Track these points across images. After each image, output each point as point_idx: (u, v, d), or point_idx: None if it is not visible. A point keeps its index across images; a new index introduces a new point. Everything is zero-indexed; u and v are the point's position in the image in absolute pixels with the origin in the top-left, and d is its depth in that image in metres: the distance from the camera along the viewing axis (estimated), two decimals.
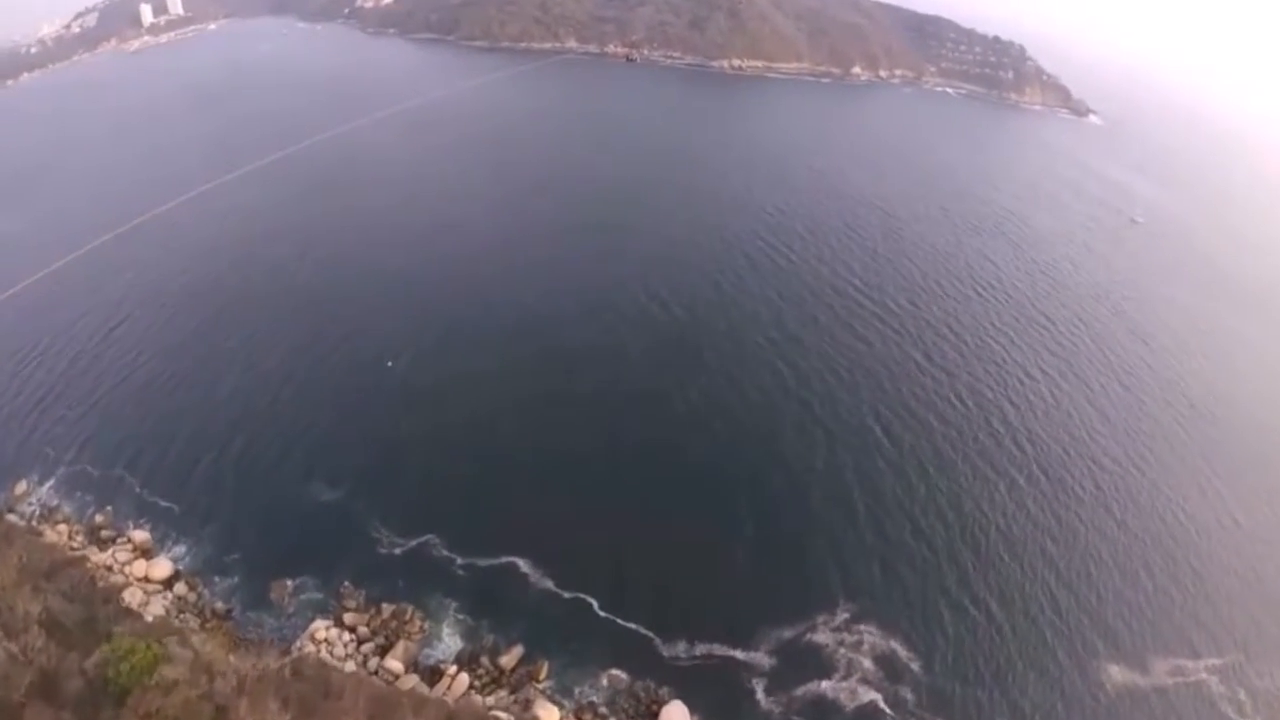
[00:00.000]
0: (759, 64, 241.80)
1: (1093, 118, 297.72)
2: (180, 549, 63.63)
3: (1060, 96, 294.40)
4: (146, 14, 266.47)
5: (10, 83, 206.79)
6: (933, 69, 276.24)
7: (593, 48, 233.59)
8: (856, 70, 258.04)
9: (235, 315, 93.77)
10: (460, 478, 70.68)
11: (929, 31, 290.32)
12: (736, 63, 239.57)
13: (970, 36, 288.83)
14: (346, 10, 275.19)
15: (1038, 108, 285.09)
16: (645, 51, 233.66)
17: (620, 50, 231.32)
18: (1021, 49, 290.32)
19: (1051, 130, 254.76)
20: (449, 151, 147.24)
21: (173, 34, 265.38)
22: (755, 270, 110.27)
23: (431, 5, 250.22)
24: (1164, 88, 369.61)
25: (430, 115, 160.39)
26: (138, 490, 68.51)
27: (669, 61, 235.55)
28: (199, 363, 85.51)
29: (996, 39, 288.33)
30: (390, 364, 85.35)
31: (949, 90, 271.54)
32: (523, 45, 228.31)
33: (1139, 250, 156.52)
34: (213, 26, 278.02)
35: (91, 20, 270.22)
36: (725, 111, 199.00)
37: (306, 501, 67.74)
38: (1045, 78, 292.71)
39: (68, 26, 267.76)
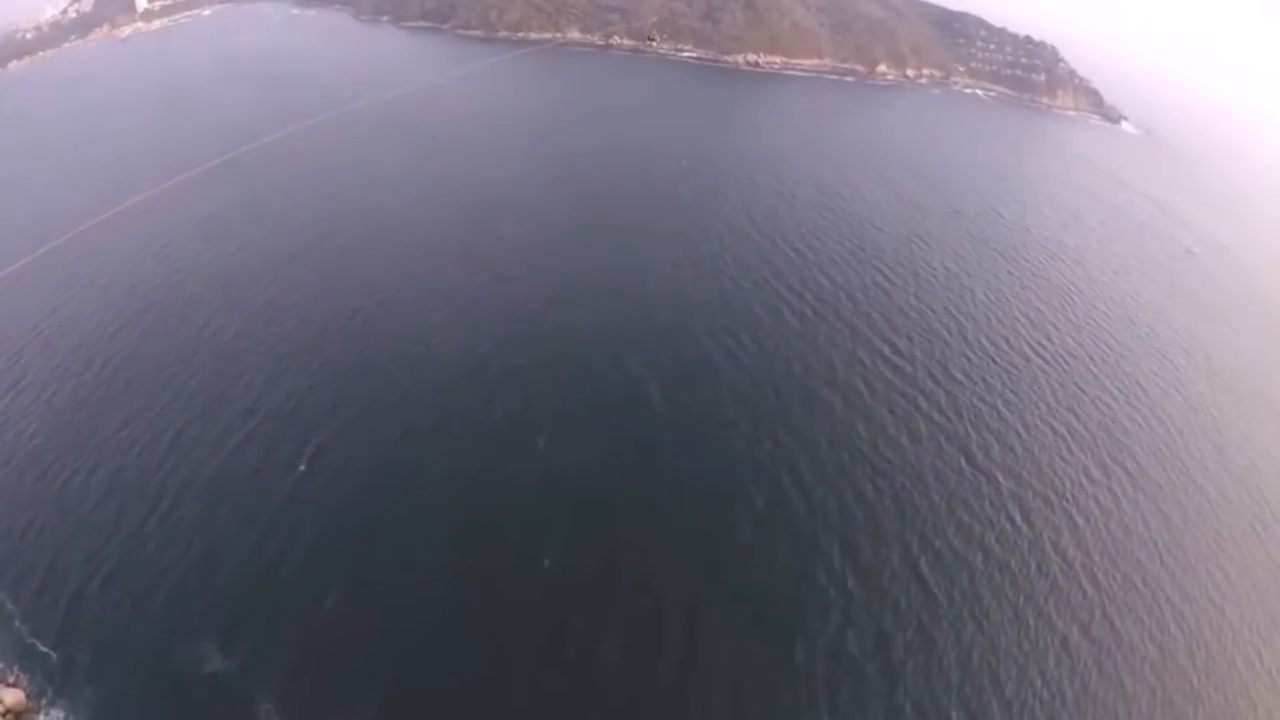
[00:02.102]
0: (777, 60, 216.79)
1: (1125, 125, 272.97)
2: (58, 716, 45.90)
3: (1092, 101, 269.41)
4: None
5: None
6: (962, 69, 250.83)
7: (596, 38, 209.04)
8: (882, 69, 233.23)
9: (142, 377, 73.14)
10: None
11: (957, 29, 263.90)
12: (753, 58, 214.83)
13: (1001, 35, 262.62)
14: None
15: (1070, 113, 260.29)
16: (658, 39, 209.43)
17: (641, 35, 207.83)
18: (1054, 50, 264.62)
19: (1087, 140, 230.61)
20: (395, 165, 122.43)
21: (166, 20, 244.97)
22: (760, 344, 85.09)
23: None
24: (1190, 94, 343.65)
25: (389, 116, 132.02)
26: (17, 624, 50.15)
27: (679, 55, 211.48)
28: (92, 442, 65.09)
29: (1028, 39, 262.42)
30: (302, 468, 64.27)
31: (979, 93, 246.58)
32: (520, 35, 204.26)
33: (1201, 289, 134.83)
34: (207, 12, 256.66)
35: (88, 4, 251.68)
36: (740, 115, 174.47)
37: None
38: (1078, 81, 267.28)
39: (64, 11, 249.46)
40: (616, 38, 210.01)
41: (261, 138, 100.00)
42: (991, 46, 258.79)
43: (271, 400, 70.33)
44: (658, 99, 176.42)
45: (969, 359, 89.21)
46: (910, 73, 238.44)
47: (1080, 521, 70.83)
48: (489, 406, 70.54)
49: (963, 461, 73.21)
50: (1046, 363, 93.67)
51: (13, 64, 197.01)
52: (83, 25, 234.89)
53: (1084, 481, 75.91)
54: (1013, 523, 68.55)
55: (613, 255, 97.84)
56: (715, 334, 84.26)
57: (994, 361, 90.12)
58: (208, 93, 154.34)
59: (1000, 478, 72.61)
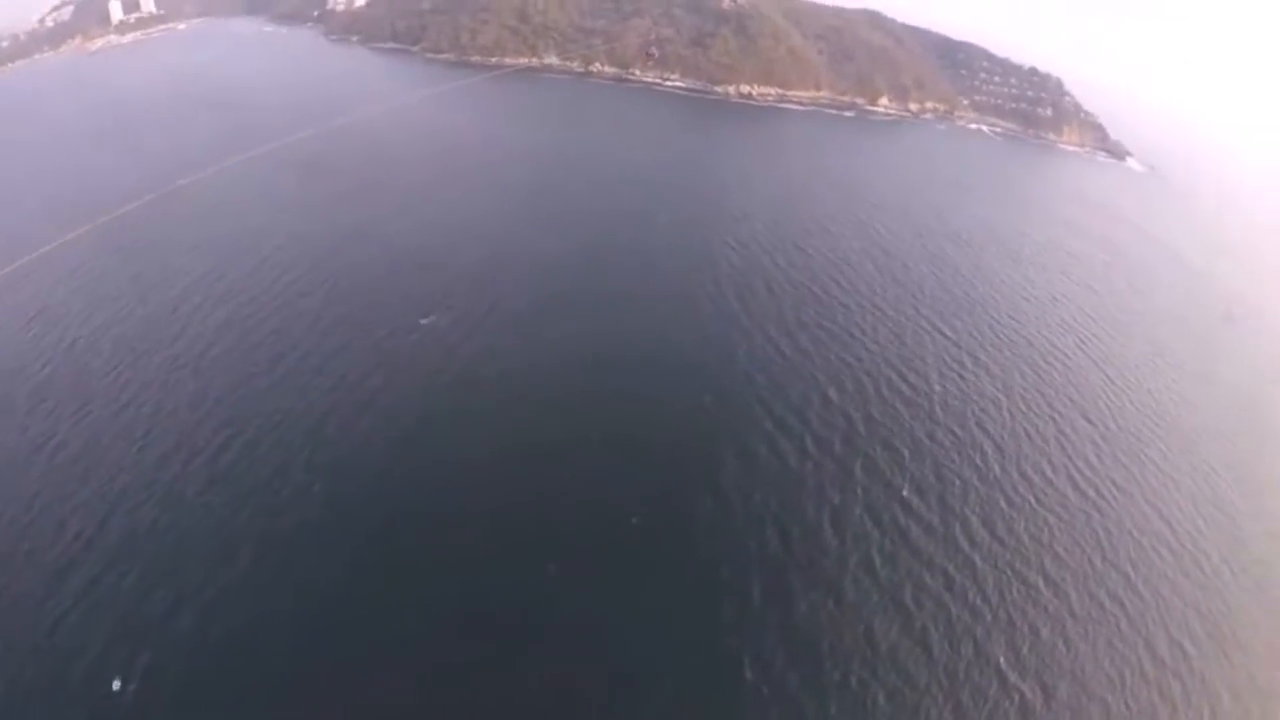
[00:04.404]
0: (771, 92, 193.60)
1: (1130, 161, 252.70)
2: None
3: (1098, 137, 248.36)
4: (116, 10, 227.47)
5: None
6: (966, 103, 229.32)
7: (575, 65, 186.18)
8: (884, 102, 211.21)
9: None
10: None
11: (960, 59, 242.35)
12: (745, 89, 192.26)
13: (1005, 66, 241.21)
14: (316, 13, 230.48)
15: (1076, 149, 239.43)
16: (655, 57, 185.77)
17: (625, 62, 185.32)
18: (1059, 82, 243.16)
19: (1098, 180, 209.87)
20: (304, 215, 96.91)
21: (139, 33, 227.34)
22: (743, 481, 60.66)
23: (400, 11, 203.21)
24: (1189, 130, 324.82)
25: (325, 152, 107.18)
26: None
27: (666, 85, 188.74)
28: None
29: (1033, 70, 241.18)
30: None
31: (984, 128, 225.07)
32: (494, 59, 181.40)
33: (1250, 364, 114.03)
34: (182, 26, 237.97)
35: (67, 13, 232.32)
36: (731, 157, 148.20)
37: None
38: (1083, 115, 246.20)
39: (41, 21, 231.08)
40: (598, 64, 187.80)
41: (194, 172, 79.94)
42: (996, 78, 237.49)
43: None
44: (638, 136, 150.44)
45: (1000, 477, 67.35)
46: (914, 106, 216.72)
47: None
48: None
49: (986, 611, 51.43)
50: (1090, 476, 72.31)
51: None
52: (56, 36, 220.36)
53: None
54: None
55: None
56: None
57: (1029, 483, 68.29)
58: (153, 117, 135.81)
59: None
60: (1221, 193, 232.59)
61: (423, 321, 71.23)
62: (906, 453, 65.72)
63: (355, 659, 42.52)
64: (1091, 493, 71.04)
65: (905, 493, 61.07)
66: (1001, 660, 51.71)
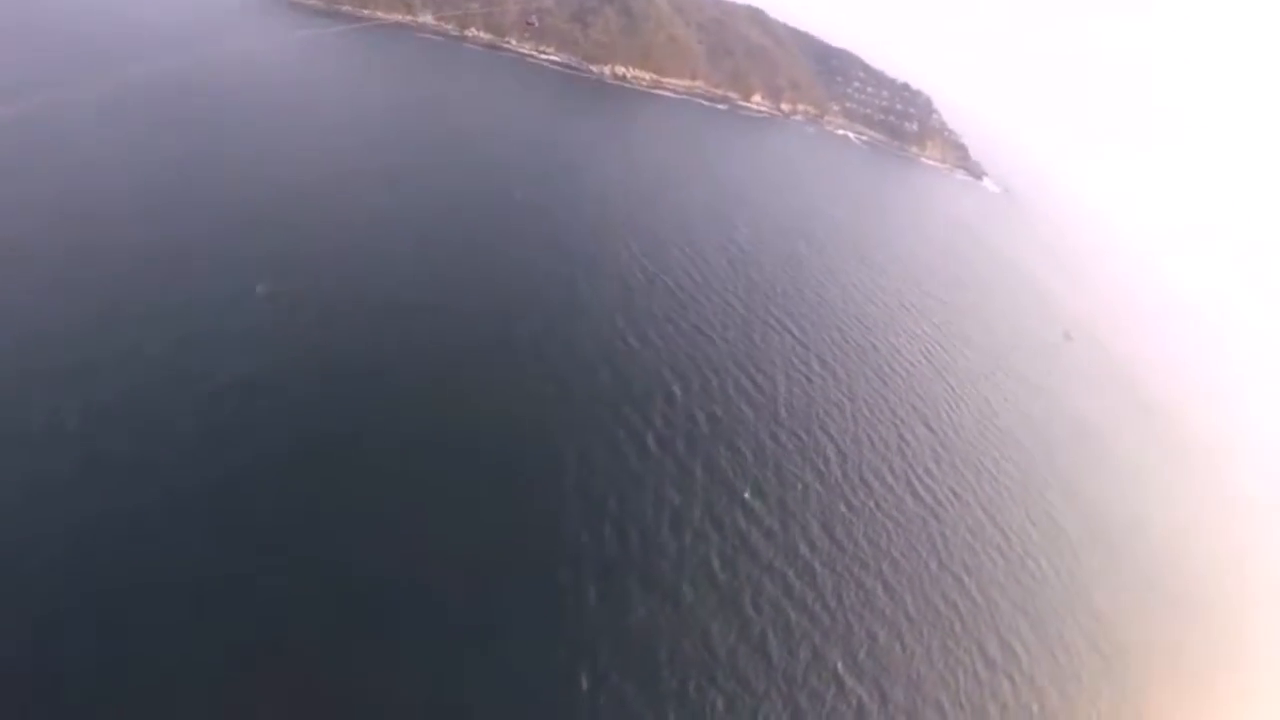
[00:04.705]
0: (646, 76, 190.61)
1: (987, 181, 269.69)
2: None
3: (959, 156, 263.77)
4: None
5: None
6: (836, 108, 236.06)
7: (451, 27, 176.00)
8: (756, 99, 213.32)
9: None
10: None
11: (836, 66, 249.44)
12: (621, 71, 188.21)
13: (878, 79, 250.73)
14: None
15: (937, 164, 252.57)
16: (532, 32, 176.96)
17: (502, 30, 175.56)
18: (928, 100, 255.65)
19: (956, 197, 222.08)
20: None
21: None
22: (582, 480, 54.64)
23: None
24: (1041, 158, 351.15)
25: (155, 95, 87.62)
26: None
27: (541, 58, 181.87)
28: None
29: (906, 86, 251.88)
30: None
31: (851, 135, 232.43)
32: (366, 11, 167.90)
33: (1082, 381, 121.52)
34: None
35: None
36: (599, 138, 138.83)
37: None
38: (947, 134, 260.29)
39: None
40: (474, 29, 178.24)
41: None
42: (868, 89, 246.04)
43: None
44: (506, 108, 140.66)
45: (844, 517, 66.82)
46: (785, 106, 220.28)
47: None
48: None
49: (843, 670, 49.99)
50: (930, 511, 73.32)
51: None
52: None
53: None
54: None
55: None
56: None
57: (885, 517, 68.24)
58: None
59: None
60: (1065, 217, 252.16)
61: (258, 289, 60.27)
62: (750, 454, 63.01)
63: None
64: (929, 499, 71.53)
65: (747, 495, 58.38)
66: (839, 664, 50.23)
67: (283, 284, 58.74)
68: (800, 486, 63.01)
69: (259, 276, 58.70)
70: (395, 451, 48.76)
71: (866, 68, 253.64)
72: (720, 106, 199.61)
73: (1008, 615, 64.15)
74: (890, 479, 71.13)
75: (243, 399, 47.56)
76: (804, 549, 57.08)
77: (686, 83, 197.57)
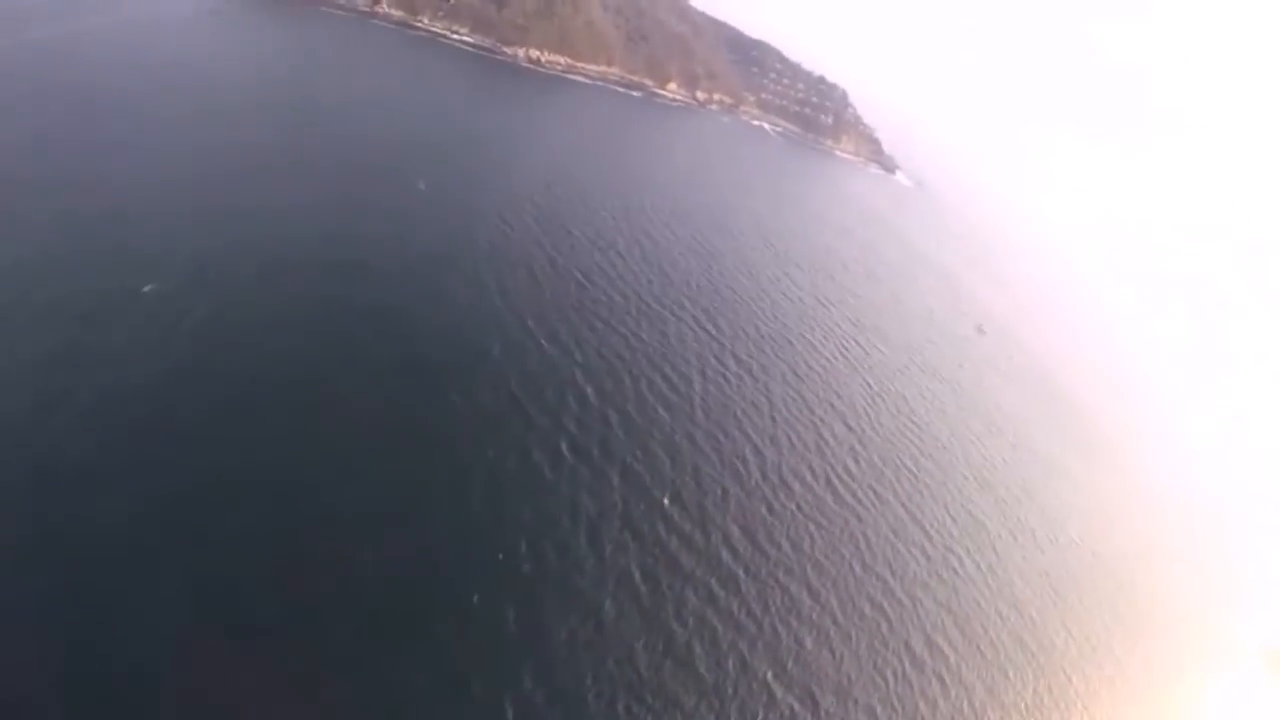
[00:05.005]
0: (561, 60, 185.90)
1: (900, 175, 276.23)
2: None
3: (872, 150, 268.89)
4: None
5: None
6: (752, 99, 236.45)
7: (360, 2, 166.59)
8: (672, 87, 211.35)
9: None
10: None
11: (754, 56, 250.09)
12: (535, 54, 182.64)
13: (795, 71, 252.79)
14: None
15: (851, 158, 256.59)
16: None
17: (413, 8, 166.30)
18: (844, 94, 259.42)
19: (869, 190, 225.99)
20: None
21: None
22: (493, 494, 50.82)
23: None
24: (952, 152, 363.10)
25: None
26: None
27: (453, 38, 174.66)
28: None
29: (822, 79, 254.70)
30: None
31: (766, 126, 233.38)
32: None
33: (994, 374, 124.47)
34: None
35: None
36: (511, 124, 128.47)
37: None
38: (862, 128, 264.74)
39: None
40: (384, 4, 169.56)
41: None
42: (785, 81, 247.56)
43: None
44: (414, 89, 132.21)
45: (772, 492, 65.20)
46: (701, 95, 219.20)
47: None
48: None
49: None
50: (856, 488, 72.81)
51: None
52: None
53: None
54: None
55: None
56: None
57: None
58: None
59: None
60: (979, 212, 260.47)
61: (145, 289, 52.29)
62: (667, 459, 60.31)
63: None
64: (850, 499, 70.71)
65: (666, 502, 55.68)
66: (769, 674, 48.51)
67: (171, 283, 52.40)
68: (720, 491, 60.87)
69: (147, 275, 52.27)
70: (280, 471, 43.84)
71: (784, 59, 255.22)
72: (635, 94, 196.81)
73: (933, 613, 64.01)
74: (810, 480, 69.90)
75: (122, 425, 41.82)
76: (726, 556, 55.02)
77: (602, 68, 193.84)
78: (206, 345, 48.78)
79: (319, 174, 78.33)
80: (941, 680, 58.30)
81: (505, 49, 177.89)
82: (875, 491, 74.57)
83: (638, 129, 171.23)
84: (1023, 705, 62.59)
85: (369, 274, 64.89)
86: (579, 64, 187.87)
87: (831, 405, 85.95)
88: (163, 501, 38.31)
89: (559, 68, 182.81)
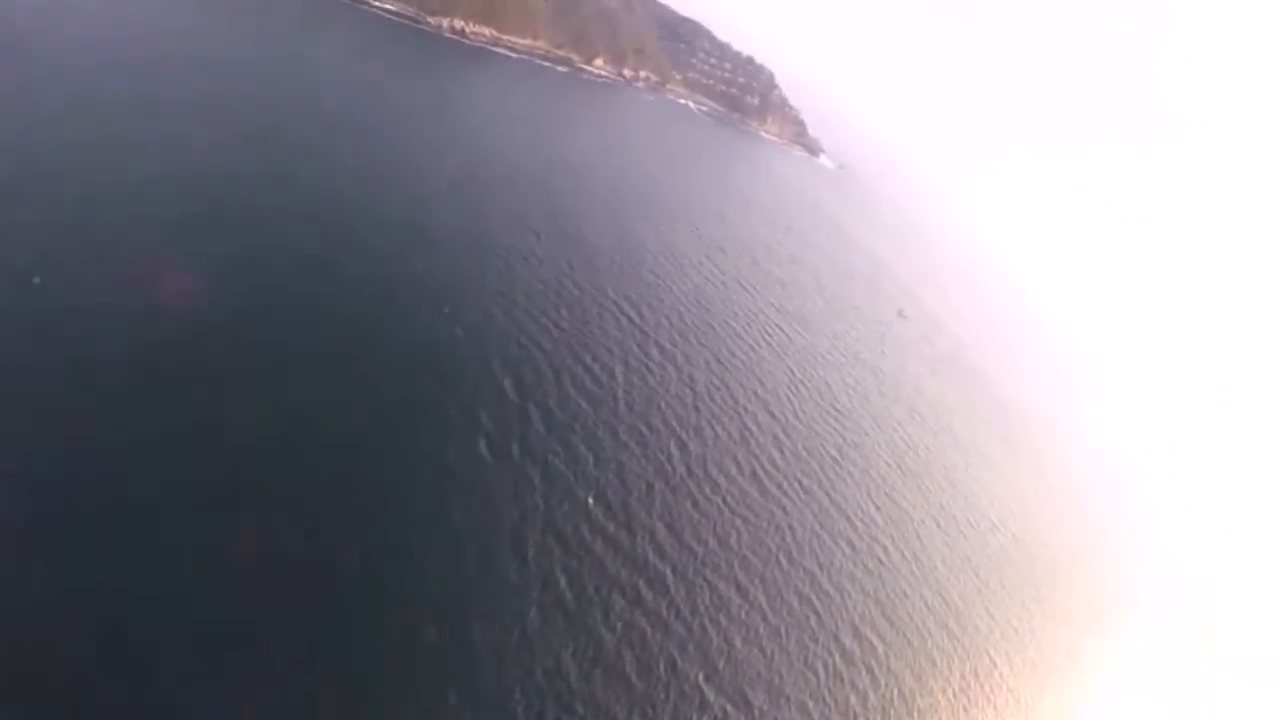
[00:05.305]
0: (486, 32, 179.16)
1: (823, 158, 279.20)
2: None
3: (797, 131, 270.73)
4: None
5: None
6: (679, 77, 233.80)
7: None
8: (599, 63, 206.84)
9: None
10: None
11: (682, 35, 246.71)
12: (460, 24, 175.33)
13: (724, 51, 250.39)
14: None
15: (775, 139, 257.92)
16: None
17: None
18: (771, 75, 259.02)
19: (794, 172, 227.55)
20: None
21: None
22: (407, 499, 49.64)
23: None
24: (876, 137, 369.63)
25: None
26: None
27: (375, 7, 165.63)
28: None
29: (750, 59, 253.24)
30: None
31: (692, 105, 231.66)
32: None
33: (916, 359, 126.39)
34: None
35: None
36: (427, 98, 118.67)
37: None
38: (788, 110, 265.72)
39: None
40: None
41: None
42: (713, 60, 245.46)
43: None
44: (329, 62, 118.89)
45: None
46: (628, 72, 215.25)
47: None
48: None
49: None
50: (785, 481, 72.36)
51: None
52: None
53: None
54: None
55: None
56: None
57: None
58: None
59: None
60: (900, 195, 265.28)
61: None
62: (591, 456, 57.54)
63: None
64: (776, 491, 69.64)
65: (590, 503, 53.28)
66: (700, 677, 46.94)
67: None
68: (644, 487, 58.65)
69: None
70: (161, 490, 39.44)
71: (713, 39, 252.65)
72: (561, 69, 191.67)
73: (860, 605, 63.80)
74: (735, 473, 68.43)
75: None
76: (653, 556, 53.03)
77: (529, 42, 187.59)
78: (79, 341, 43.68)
79: (213, 153, 71.34)
80: (871, 671, 58.10)
81: (429, 18, 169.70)
82: (800, 483, 73.84)
83: (562, 105, 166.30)
84: (950, 691, 63.41)
85: (263, 260, 59.43)
86: (505, 36, 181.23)
87: (755, 394, 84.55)
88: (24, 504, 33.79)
89: (484, 39, 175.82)
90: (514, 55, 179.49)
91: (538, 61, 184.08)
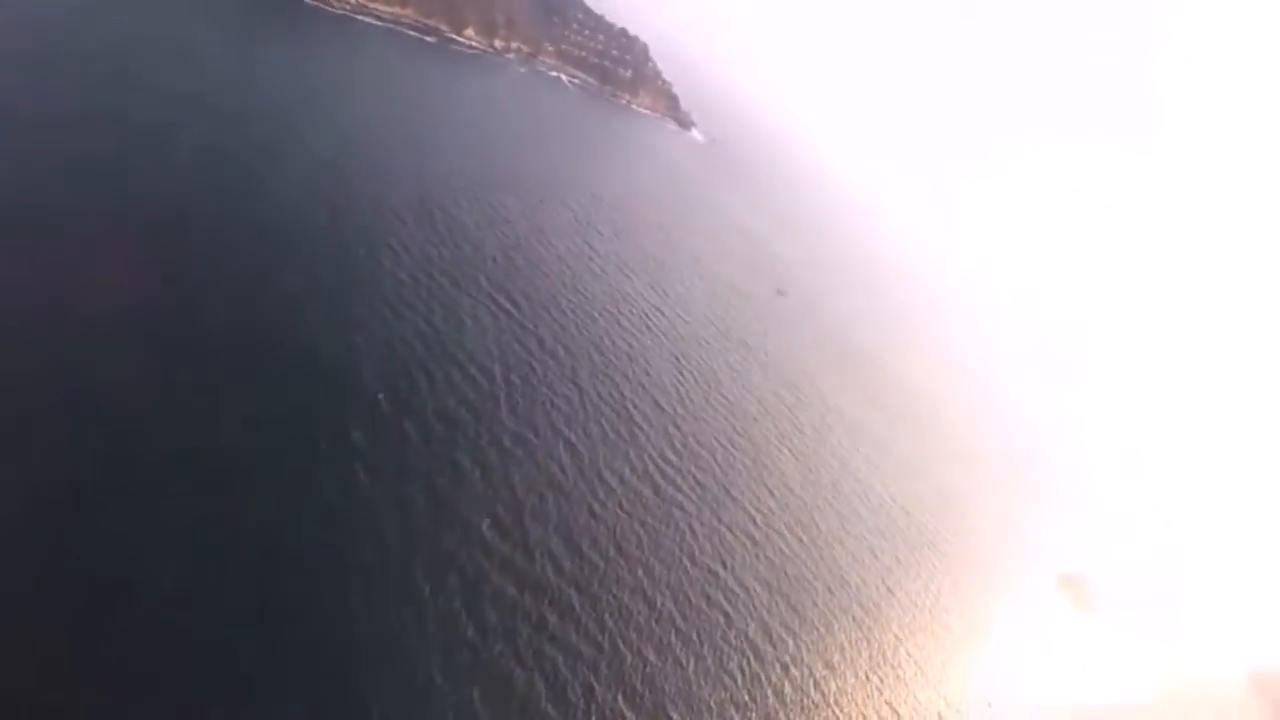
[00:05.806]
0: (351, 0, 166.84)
1: (695, 132, 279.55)
2: None
3: (670, 105, 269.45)
4: None
5: None
6: (551, 49, 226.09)
7: None
8: (469, 33, 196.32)
9: None
10: None
11: (554, 6, 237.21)
12: None
13: (597, 22, 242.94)
14: None
15: (648, 113, 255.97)
16: None
17: None
18: (645, 48, 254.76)
19: (667, 146, 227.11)
20: None
21: None
22: (281, 536, 41.70)
23: None
24: (747, 110, 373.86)
25: None
26: None
27: None
28: None
29: (624, 31, 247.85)
30: None
31: (564, 78, 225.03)
32: None
33: (796, 337, 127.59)
34: None
35: None
36: (287, 74, 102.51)
37: None
38: (661, 83, 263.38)
39: None
40: None
41: None
42: (586, 32, 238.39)
43: None
44: (178, 32, 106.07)
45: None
46: (498, 43, 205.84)
47: None
48: None
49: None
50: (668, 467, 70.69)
51: None
52: None
53: None
54: None
55: None
56: None
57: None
58: None
59: None
60: (773, 170, 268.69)
61: None
62: (476, 471, 52.88)
63: None
64: (670, 489, 67.30)
65: (484, 527, 48.95)
66: (618, 699, 44.20)
67: None
68: (536, 500, 54.47)
69: None
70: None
71: (587, 10, 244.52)
72: (429, 39, 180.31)
73: (766, 600, 62.84)
74: (629, 473, 65.30)
75: None
76: (552, 576, 49.27)
77: (395, 10, 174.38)
78: None
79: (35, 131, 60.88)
80: (785, 667, 57.59)
81: None
82: (695, 477, 71.76)
83: (428, 78, 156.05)
84: (861, 673, 64.20)
85: (91, 262, 50.88)
86: (371, 3, 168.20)
87: (641, 385, 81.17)
88: None
89: (348, 7, 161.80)
90: (379, 24, 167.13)
91: (405, 31, 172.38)
